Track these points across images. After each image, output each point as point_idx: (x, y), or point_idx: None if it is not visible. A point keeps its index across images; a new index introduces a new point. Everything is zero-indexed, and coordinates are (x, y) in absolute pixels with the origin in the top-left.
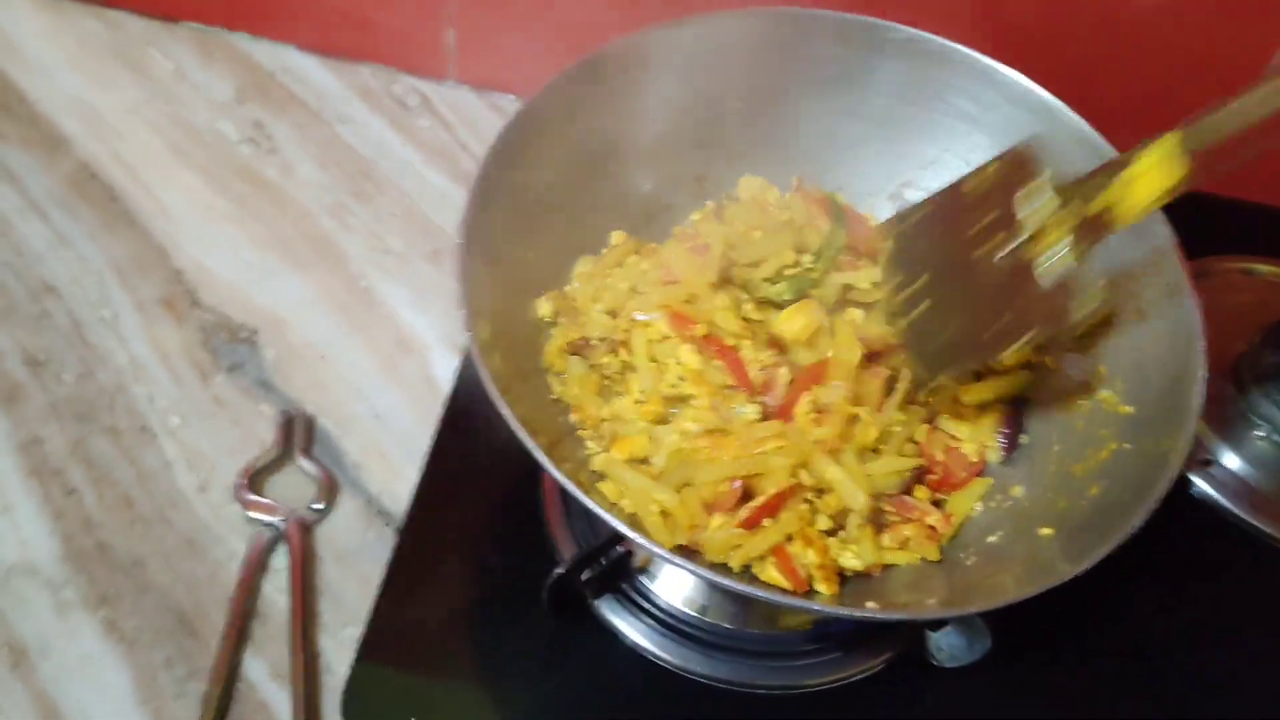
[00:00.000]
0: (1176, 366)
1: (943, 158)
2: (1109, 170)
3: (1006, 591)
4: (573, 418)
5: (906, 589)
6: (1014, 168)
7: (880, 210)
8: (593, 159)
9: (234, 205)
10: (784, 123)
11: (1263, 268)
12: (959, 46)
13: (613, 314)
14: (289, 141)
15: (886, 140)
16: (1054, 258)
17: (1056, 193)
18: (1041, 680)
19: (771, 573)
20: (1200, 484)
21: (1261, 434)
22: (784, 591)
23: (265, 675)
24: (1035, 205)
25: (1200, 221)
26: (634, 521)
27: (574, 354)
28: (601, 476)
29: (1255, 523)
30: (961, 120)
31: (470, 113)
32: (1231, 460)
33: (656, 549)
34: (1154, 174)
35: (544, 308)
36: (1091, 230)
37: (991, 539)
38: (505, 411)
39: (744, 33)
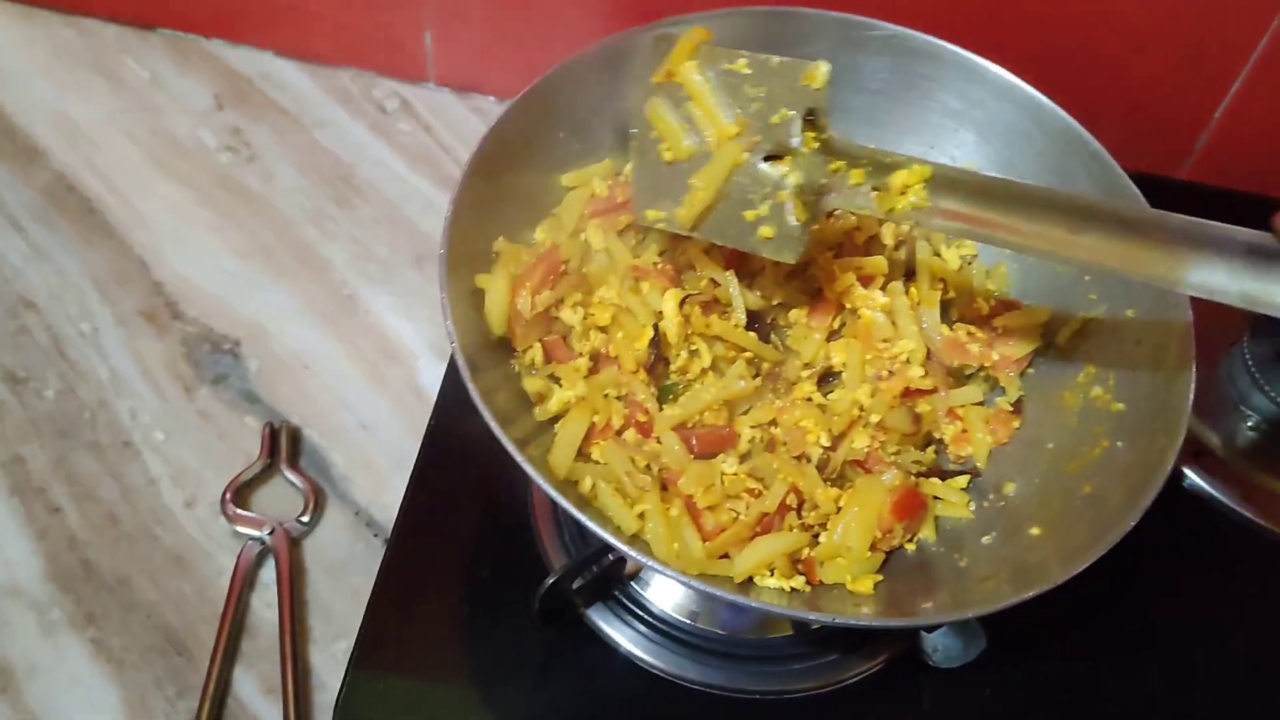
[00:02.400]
0: (1167, 362)
1: (930, 154)
2: (869, 160)
3: (1002, 595)
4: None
5: (901, 592)
6: (795, 75)
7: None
8: (577, 160)
9: (214, 214)
10: None
11: None
12: (944, 43)
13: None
14: (268, 148)
15: (873, 137)
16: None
17: (820, 145)
18: (1038, 678)
19: (770, 579)
20: (1191, 475)
21: (1252, 424)
22: (777, 602)
23: (256, 691)
24: (795, 137)
25: (1188, 212)
26: (630, 534)
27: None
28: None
29: (1246, 513)
30: (948, 117)
31: (451, 115)
32: (1222, 450)
33: (650, 561)
34: (913, 190)
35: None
36: (818, 194)
37: (985, 540)
38: (499, 433)
39: (727, 33)
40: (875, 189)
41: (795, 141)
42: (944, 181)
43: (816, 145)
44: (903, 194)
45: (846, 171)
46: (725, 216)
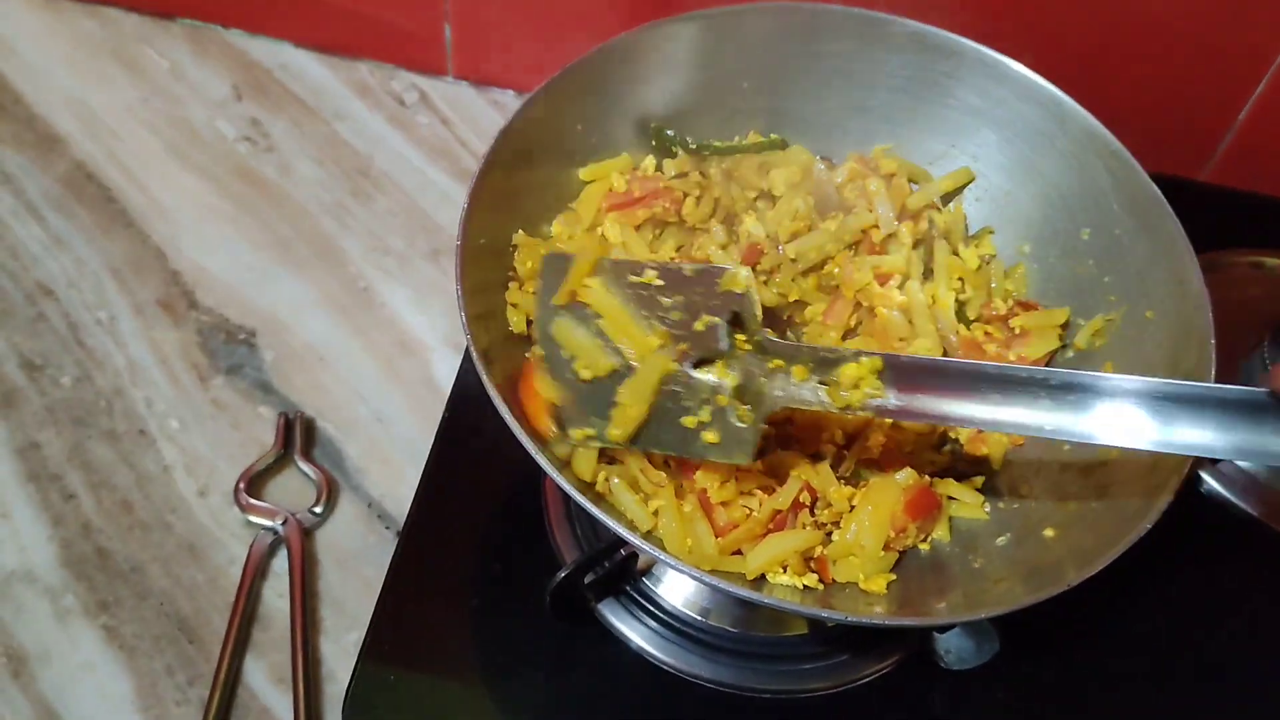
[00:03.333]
0: (1186, 364)
1: (950, 153)
2: (809, 355)
3: (1016, 597)
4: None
5: (914, 591)
6: (712, 281)
7: None
8: (595, 154)
9: (232, 205)
10: (790, 118)
11: (1272, 261)
12: (967, 41)
13: None
14: (287, 139)
15: (894, 135)
16: (722, 401)
17: (756, 347)
18: (1051, 681)
19: (783, 576)
20: (1209, 481)
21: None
22: (789, 599)
23: (267, 681)
24: (723, 341)
25: (1209, 214)
26: (641, 527)
27: None
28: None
29: (1264, 519)
30: (969, 115)
31: (469, 109)
32: None
33: (666, 557)
34: (866, 381)
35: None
36: (759, 393)
37: (1000, 541)
38: (512, 424)
39: (747, 28)
40: (823, 383)
41: (724, 345)
42: (896, 369)
43: (749, 348)
44: (856, 387)
45: (787, 369)
46: (662, 426)
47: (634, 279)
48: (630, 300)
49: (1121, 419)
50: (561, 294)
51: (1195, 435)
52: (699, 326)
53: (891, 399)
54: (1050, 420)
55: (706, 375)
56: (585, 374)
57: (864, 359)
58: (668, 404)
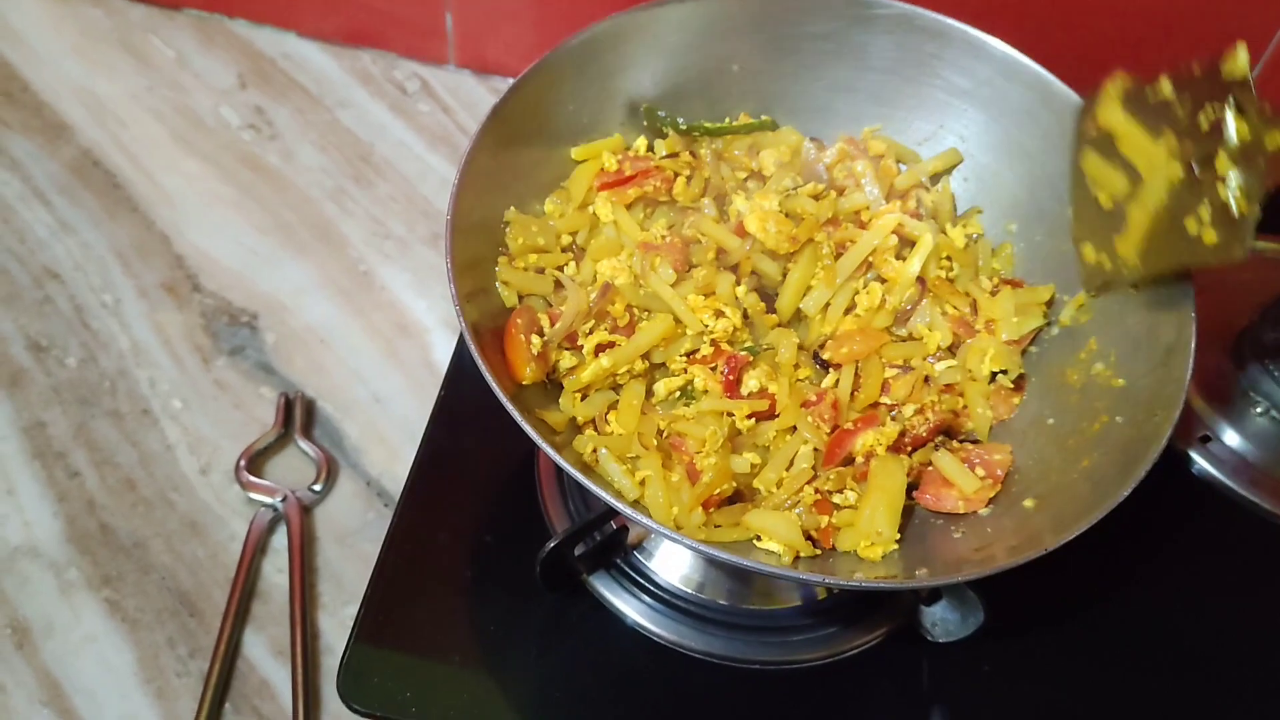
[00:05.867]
0: (1168, 338)
1: (938, 133)
2: None
3: (995, 561)
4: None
5: (896, 561)
6: (1214, 72)
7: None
8: (586, 134)
9: (235, 191)
10: (778, 100)
11: (1263, 244)
12: (952, 21)
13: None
14: (290, 127)
15: (882, 116)
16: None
17: (1255, 127)
18: (1036, 654)
19: (769, 542)
20: (1199, 460)
21: (1261, 410)
22: (774, 563)
23: (266, 654)
24: (1230, 134)
25: None
26: (628, 497)
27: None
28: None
29: (1254, 498)
30: (956, 96)
31: (470, 97)
32: (1231, 437)
33: (651, 524)
34: None
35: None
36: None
37: (982, 512)
38: (502, 398)
39: (736, 10)
40: None
41: (1230, 138)
42: None
43: (1250, 137)
44: None
45: None
46: (1165, 236)
47: (1152, 100)
48: (1146, 117)
49: None
50: (1089, 124)
51: None
52: (1204, 124)
53: None
54: None
55: (1212, 170)
56: (1106, 202)
57: None
58: (1173, 209)
